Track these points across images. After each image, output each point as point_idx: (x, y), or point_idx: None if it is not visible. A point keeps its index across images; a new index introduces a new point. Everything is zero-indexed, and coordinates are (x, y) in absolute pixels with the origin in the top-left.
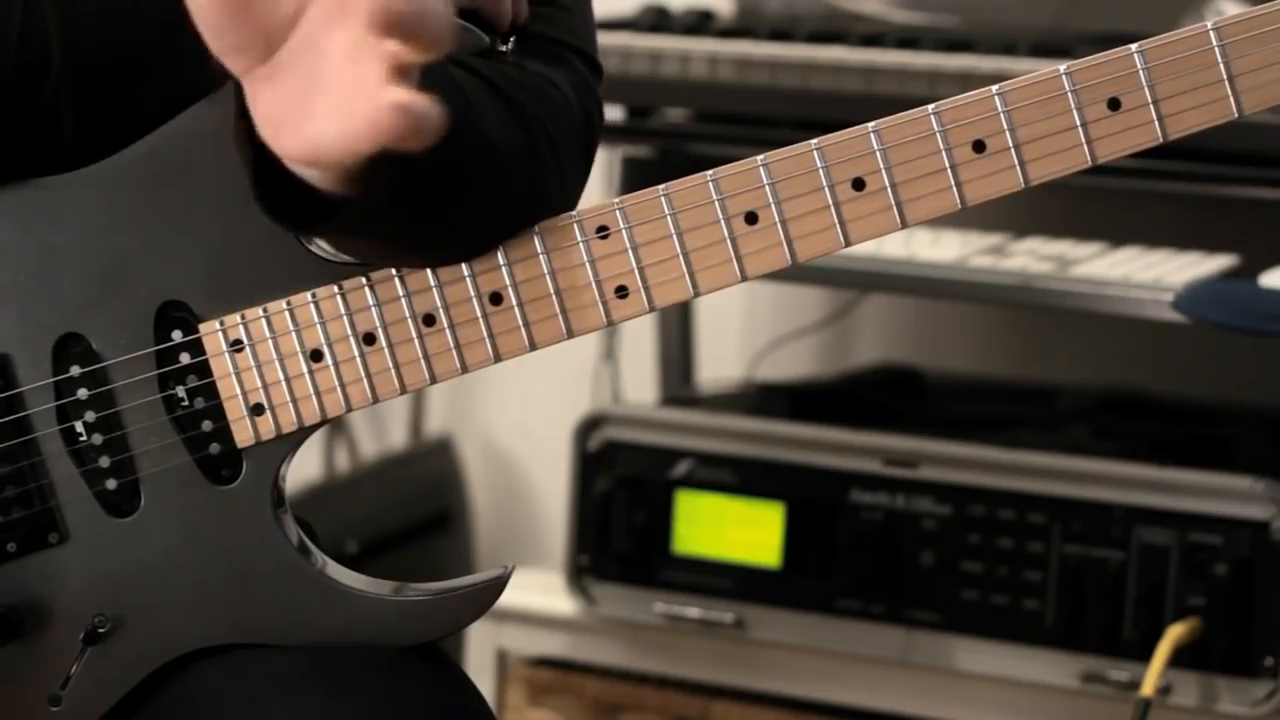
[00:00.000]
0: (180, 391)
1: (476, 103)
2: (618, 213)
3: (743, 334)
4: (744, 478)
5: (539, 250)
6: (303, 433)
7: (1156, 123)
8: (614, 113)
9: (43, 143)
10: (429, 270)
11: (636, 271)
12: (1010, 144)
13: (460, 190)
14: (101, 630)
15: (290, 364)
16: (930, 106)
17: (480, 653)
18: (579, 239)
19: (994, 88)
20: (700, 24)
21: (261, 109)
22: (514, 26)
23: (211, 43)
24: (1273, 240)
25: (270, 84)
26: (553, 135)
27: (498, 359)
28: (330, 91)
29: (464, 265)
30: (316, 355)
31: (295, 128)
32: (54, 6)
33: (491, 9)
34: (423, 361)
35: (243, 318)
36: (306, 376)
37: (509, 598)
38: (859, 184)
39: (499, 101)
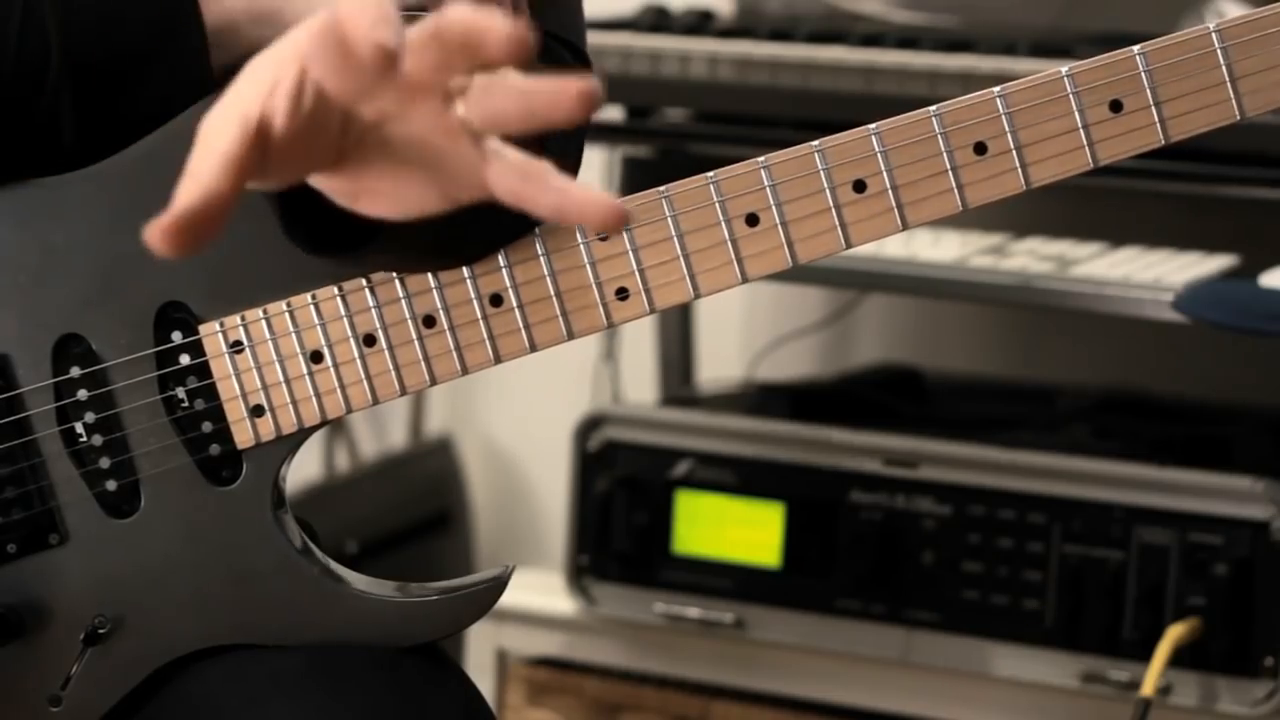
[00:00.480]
0: (180, 393)
1: None
2: None
3: (743, 334)
4: (744, 478)
5: (540, 252)
6: (303, 434)
7: (1158, 125)
8: (614, 113)
9: (43, 143)
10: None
11: (637, 273)
12: (1012, 146)
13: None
14: (101, 631)
15: (290, 365)
16: (932, 108)
17: (480, 653)
18: (580, 240)
19: (996, 89)
20: (700, 24)
21: (330, 185)
22: None
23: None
24: (1273, 240)
25: (336, 167)
26: (557, 138)
27: (498, 360)
28: (422, 165)
29: (464, 267)
30: (317, 357)
31: (388, 197)
32: (53, 6)
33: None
34: (423, 363)
35: (243, 319)
36: (307, 378)
37: (509, 598)
38: (860, 186)
39: None
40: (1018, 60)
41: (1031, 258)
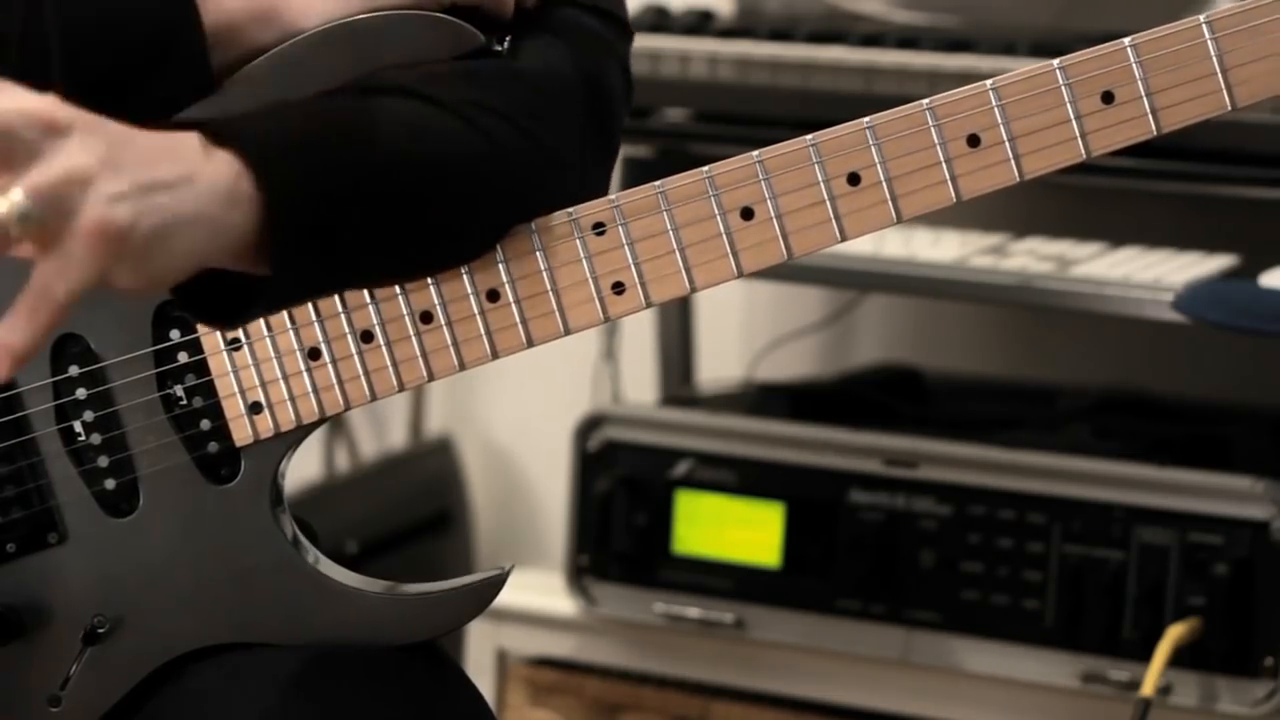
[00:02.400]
0: (178, 390)
1: (427, 133)
2: (614, 209)
3: (743, 334)
4: (744, 478)
5: (535, 247)
6: (301, 431)
7: (1150, 115)
8: None
9: None
10: None
11: (633, 267)
12: (1005, 137)
13: (420, 219)
14: (101, 630)
15: (288, 362)
16: (925, 101)
17: (480, 653)
18: (575, 235)
19: (988, 82)
20: (700, 24)
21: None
22: (517, 12)
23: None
24: (1273, 240)
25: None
26: (552, 138)
27: (495, 356)
28: None
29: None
30: (314, 353)
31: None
32: (54, 9)
33: (493, 7)
34: (420, 359)
35: None
36: (304, 374)
37: (509, 598)
38: (854, 179)
39: (458, 123)
40: (1017, 60)
41: (1031, 258)
